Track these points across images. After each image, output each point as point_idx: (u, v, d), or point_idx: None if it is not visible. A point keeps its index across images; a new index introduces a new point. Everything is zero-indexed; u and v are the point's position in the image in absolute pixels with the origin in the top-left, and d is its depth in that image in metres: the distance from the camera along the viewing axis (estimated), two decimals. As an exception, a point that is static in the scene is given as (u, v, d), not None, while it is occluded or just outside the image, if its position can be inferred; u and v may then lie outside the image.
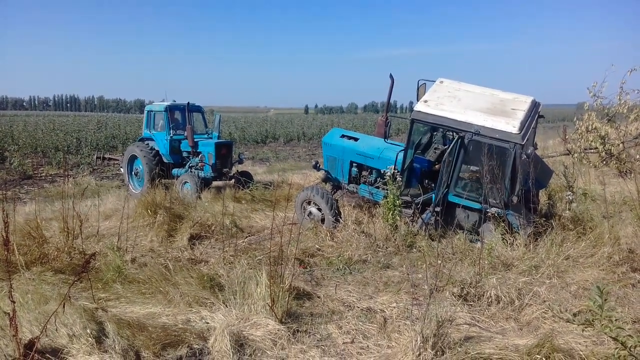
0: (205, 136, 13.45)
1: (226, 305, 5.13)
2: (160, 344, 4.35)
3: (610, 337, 3.34)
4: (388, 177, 7.75)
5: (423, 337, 4.22)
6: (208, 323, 4.87)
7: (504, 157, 7.11)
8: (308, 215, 8.83)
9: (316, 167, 9.69)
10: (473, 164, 7.66)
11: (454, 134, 7.64)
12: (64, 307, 3.75)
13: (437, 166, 8.52)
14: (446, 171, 7.60)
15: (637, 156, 13.17)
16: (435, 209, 7.67)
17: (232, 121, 51.96)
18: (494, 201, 7.28)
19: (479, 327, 4.94)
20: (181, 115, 13.47)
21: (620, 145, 13.70)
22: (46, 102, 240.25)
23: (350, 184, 9.41)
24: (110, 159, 17.12)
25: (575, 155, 14.34)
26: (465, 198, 7.48)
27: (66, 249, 6.74)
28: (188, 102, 13.39)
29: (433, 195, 7.82)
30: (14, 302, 3.67)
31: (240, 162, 13.77)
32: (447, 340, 4.37)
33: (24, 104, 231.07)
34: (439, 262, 6.02)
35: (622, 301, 5.47)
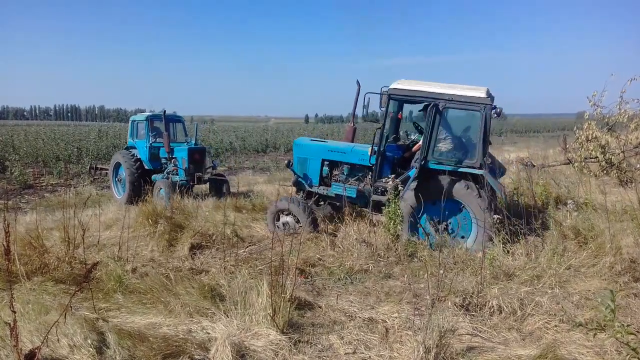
0: (185, 144, 13.96)
1: (227, 316, 5.11)
2: (162, 354, 4.33)
3: (622, 342, 3.31)
4: (390, 187, 7.77)
5: (425, 347, 4.21)
6: (209, 333, 4.85)
7: (475, 120, 7.84)
8: (283, 225, 8.85)
9: (289, 165, 9.74)
10: (448, 131, 8.18)
11: (429, 105, 7.98)
12: (65, 317, 3.74)
13: (407, 154, 9.22)
14: (424, 142, 8.04)
15: (638, 165, 13.18)
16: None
17: (233, 130, 51.95)
18: (471, 162, 7.82)
19: (481, 338, 4.92)
20: (161, 124, 14.05)
21: (621, 154, 13.73)
22: (47, 112, 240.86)
23: (321, 186, 9.47)
24: (101, 169, 17.58)
25: (576, 164, 14.37)
26: (445, 164, 7.91)
27: (67, 258, 6.73)
28: (164, 111, 13.97)
29: (411, 172, 8.08)
30: (15, 312, 3.66)
31: (214, 167, 14.34)
32: (450, 351, 4.36)
33: (25, 113, 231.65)
34: (441, 271, 6.00)
35: (624, 311, 5.45)
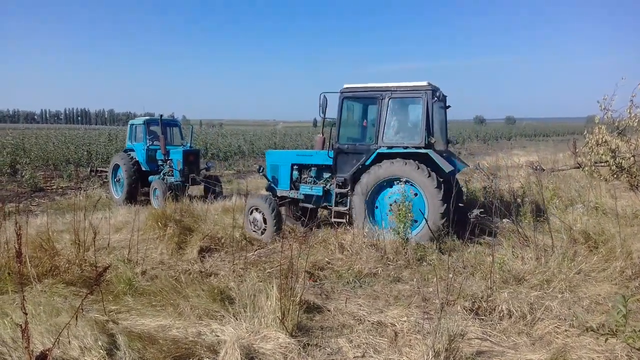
0: (180, 146, 14.78)
1: (236, 319, 5.12)
2: (171, 357, 4.34)
3: (634, 348, 3.29)
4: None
5: (434, 351, 4.20)
6: (218, 336, 4.86)
7: (418, 106, 8.57)
8: (252, 222, 9.51)
9: (259, 170, 10.64)
10: (396, 118, 8.99)
11: (378, 97, 8.87)
12: (76, 319, 3.76)
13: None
14: (376, 130, 8.86)
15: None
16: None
17: (241, 134, 52.06)
18: (416, 143, 8.47)
19: (490, 342, 4.90)
20: (158, 128, 14.77)
21: (631, 158, 13.61)
22: (57, 116, 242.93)
23: (292, 190, 10.06)
24: (101, 171, 18.26)
25: (586, 168, 14.27)
26: (393, 147, 8.59)
27: (77, 261, 6.78)
28: (161, 116, 14.98)
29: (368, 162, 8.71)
30: (27, 314, 3.68)
31: (208, 169, 15.10)
32: (459, 355, 4.34)
33: (36, 117, 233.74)
34: (450, 275, 5.99)
35: (635, 316, 5.40)
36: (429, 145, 8.37)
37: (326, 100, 8.91)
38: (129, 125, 15.68)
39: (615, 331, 3.36)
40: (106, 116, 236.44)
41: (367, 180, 8.58)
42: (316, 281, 6.75)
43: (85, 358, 4.18)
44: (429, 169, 8.11)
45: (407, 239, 7.76)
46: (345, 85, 9.19)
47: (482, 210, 8.41)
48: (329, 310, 5.71)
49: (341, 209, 9.12)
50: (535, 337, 5.03)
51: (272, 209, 9.22)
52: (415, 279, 6.63)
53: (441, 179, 8.14)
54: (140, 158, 14.78)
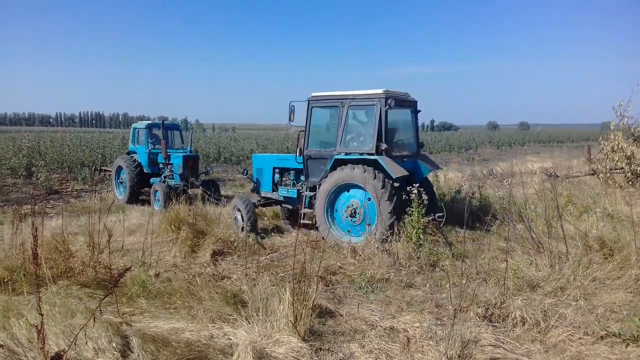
0: (181, 150, 15.26)
1: (249, 322, 5.13)
2: (184, 359, 4.37)
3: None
4: (413, 196, 7.78)
5: (447, 357, 4.19)
6: (231, 339, 4.88)
7: (373, 113, 8.90)
8: (234, 220, 10.08)
9: (244, 173, 11.88)
10: (352, 125, 9.53)
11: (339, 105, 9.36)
12: (94, 321, 3.80)
13: None
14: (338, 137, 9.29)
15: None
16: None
17: (254, 138, 52.18)
18: (367, 149, 8.87)
19: (503, 349, 4.87)
20: (160, 132, 15.31)
21: (647, 166, 13.47)
22: (72, 119, 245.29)
23: (273, 192, 10.69)
24: (105, 170, 19.01)
25: (601, 175, 14.13)
26: (347, 153, 9.07)
27: (92, 263, 6.83)
28: (163, 121, 15.53)
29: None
30: (42, 315, 3.72)
31: (207, 173, 15.69)
32: (472, 362, 4.32)
33: (51, 120, 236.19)
34: (463, 281, 5.96)
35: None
36: (379, 152, 8.70)
37: (294, 108, 9.66)
38: (132, 129, 16.19)
39: (637, 337, 3.33)
40: (120, 119, 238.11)
41: (326, 185, 9.06)
42: (328, 286, 6.75)
43: (99, 359, 4.21)
44: (381, 174, 8.46)
45: (420, 244, 7.74)
46: (313, 94, 9.71)
47: (441, 215, 8.73)
48: (341, 315, 5.71)
49: (308, 211, 9.63)
50: (549, 345, 4.99)
51: (248, 209, 9.80)
52: (427, 285, 6.61)
53: (396, 184, 8.52)
54: (143, 161, 15.25)
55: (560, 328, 5.19)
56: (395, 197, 8.39)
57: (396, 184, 8.53)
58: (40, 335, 3.64)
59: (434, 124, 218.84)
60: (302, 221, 9.57)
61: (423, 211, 7.83)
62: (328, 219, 9.14)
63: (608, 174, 14.04)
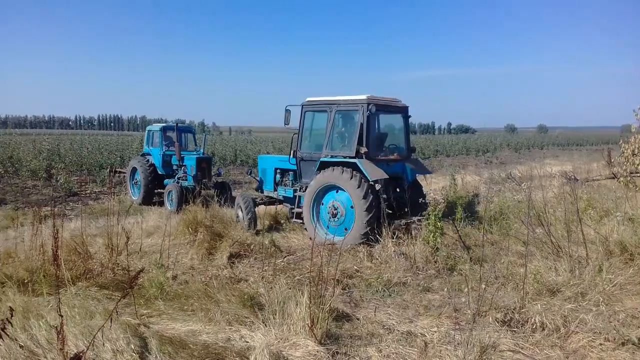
0: (194, 152, 15.46)
1: (265, 325, 5.14)
2: (201, 361, 4.38)
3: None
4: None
5: (466, 363, 4.14)
6: (248, 342, 4.88)
7: (356, 118, 9.37)
8: (237, 217, 10.70)
9: (249, 173, 12.95)
10: (338, 129, 10.01)
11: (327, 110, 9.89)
12: (111, 322, 3.82)
13: None
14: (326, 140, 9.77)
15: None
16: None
17: (270, 141, 52.32)
18: (348, 153, 9.30)
19: (523, 354, 4.81)
20: (174, 134, 15.44)
21: (668, 169, 13.25)
22: (91, 122, 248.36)
23: (274, 192, 11.27)
24: (119, 172, 19.53)
25: (621, 179, 13.92)
26: (332, 156, 9.49)
27: (110, 264, 6.90)
28: (177, 124, 15.89)
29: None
30: (62, 316, 3.76)
31: (219, 174, 15.77)
32: (491, 367, 4.27)
33: (70, 123, 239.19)
34: (482, 286, 5.90)
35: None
36: (359, 155, 9.09)
37: (289, 112, 10.19)
38: (146, 131, 16.52)
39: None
40: (138, 122, 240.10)
41: (312, 186, 9.52)
42: (345, 289, 6.72)
43: (118, 360, 4.24)
44: (359, 175, 8.82)
45: (437, 248, 7.69)
46: (307, 99, 10.23)
47: (419, 218, 9.06)
48: (358, 319, 5.68)
49: (299, 210, 10.05)
50: (569, 351, 4.92)
51: (247, 207, 10.45)
52: (445, 289, 6.55)
53: (378, 186, 8.98)
54: (157, 162, 15.58)
55: (581, 334, 5.11)
56: (371, 197, 8.72)
57: (378, 186, 8.99)
58: (60, 336, 3.68)
59: (451, 126, 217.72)
60: (294, 220, 10.31)
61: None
62: (313, 217, 9.58)
63: (629, 178, 13.82)
